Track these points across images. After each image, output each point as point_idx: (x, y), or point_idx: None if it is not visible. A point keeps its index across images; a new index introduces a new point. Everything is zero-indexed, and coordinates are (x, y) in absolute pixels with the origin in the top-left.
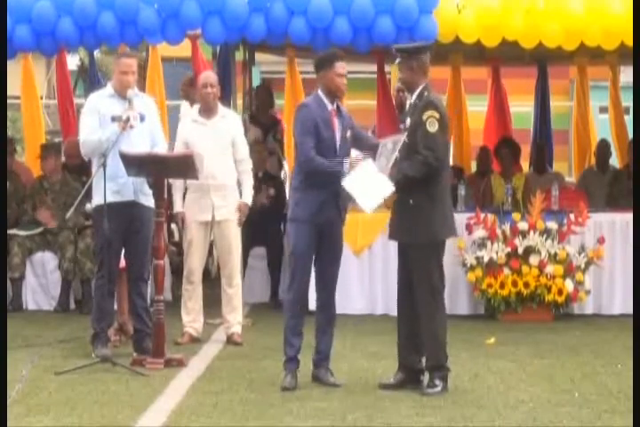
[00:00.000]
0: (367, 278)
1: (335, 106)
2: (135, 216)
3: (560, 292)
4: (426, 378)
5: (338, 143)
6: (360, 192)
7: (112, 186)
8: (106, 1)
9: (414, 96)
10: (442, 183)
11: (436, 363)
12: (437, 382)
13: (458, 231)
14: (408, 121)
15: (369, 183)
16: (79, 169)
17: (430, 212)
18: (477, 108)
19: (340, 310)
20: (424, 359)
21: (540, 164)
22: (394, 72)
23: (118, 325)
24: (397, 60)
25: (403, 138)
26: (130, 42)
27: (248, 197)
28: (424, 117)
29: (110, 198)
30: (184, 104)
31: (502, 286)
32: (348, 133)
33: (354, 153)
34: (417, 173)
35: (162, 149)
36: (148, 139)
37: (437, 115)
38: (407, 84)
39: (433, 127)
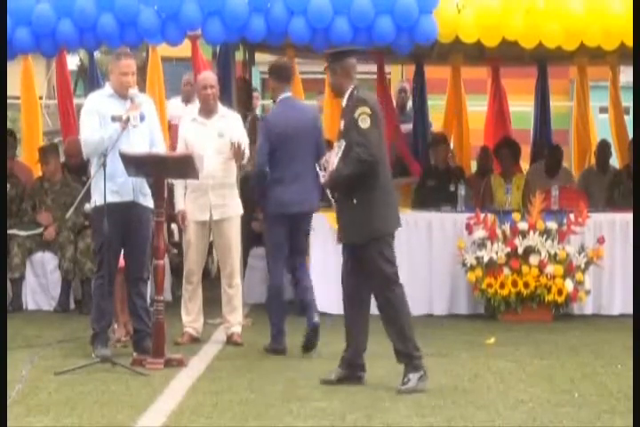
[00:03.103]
0: None
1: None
2: (134, 217)
3: (560, 292)
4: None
5: None
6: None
7: (111, 186)
8: (106, 3)
9: (345, 98)
10: (380, 178)
11: (405, 352)
12: (411, 375)
13: (457, 231)
14: (342, 122)
15: None
16: (79, 168)
17: (372, 208)
18: (477, 108)
19: (340, 310)
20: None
21: (554, 165)
22: (394, 72)
23: (123, 324)
24: (325, 65)
25: (342, 143)
26: (130, 43)
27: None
28: (356, 115)
29: (109, 198)
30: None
31: (502, 285)
32: None
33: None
34: (353, 171)
35: (160, 149)
36: (147, 139)
37: (368, 110)
38: (336, 89)
39: (365, 123)
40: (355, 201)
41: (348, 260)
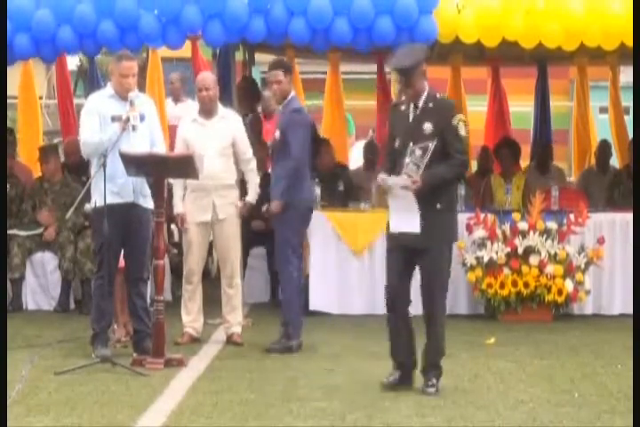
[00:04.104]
0: (367, 278)
1: (282, 106)
2: (134, 218)
3: (560, 292)
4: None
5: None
6: (393, 211)
7: (111, 187)
8: (106, 8)
9: (422, 99)
10: (457, 186)
11: (436, 361)
12: (434, 380)
13: (458, 231)
14: (428, 125)
15: (398, 202)
16: (79, 168)
17: (453, 214)
18: (477, 108)
19: (340, 310)
20: (421, 356)
21: (545, 163)
22: (394, 72)
23: (123, 325)
24: (405, 77)
25: (432, 145)
26: (130, 47)
27: (253, 196)
28: (455, 121)
29: (109, 199)
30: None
31: (502, 286)
32: (277, 134)
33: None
34: (455, 177)
35: (160, 149)
36: (147, 139)
37: (464, 117)
38: (418, 94)
39: (463, 130)
40: (439, 206)
41: (404, 264)
